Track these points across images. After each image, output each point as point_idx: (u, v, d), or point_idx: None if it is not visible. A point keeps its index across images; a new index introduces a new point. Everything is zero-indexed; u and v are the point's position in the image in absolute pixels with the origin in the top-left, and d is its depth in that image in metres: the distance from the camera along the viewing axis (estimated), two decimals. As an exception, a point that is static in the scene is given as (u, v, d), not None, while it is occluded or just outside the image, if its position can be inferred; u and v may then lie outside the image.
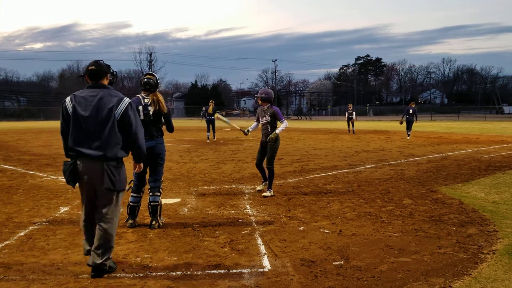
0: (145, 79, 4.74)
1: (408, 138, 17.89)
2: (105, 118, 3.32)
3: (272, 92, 6.73)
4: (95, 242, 3.40)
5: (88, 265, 3.40)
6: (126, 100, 3.43)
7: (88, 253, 3.52)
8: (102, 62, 3.52)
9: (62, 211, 5.53)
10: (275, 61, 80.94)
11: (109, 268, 3.42)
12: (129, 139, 3.45)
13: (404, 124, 18.28)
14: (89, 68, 3.44)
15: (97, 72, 3.44)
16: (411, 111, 18.14)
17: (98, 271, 3.36)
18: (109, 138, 3.33)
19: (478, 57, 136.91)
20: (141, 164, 3.85)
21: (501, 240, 4.24)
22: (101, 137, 3.32)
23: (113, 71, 3.62)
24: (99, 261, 3.35)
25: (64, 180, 3.53)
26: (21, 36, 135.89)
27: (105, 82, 3.50)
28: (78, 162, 3.35)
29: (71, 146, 3.35)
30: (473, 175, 8.24)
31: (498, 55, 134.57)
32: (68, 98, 3.42)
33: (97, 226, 3.42)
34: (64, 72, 78.93)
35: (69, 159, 3.44)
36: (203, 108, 18.18)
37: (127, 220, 4.78)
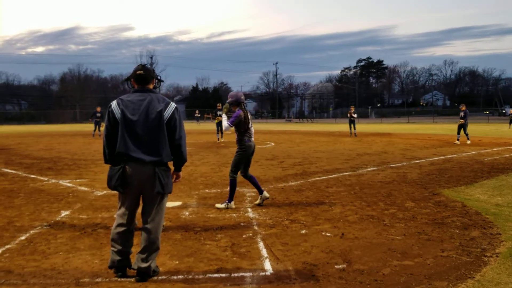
0: None
1: (458, 142, 16.77)
2: (155, 122, 3.27)
3: (238, 94, 6.12)
4: (141, 245, 3.36)
5: (133, 268, 3.37)
6: (173, 104, 3.40)
7: (114, 265, 3.39)
8: (148, 66, 3.49)
9: (63, 215, 5.52)
10: (276, 63, 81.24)
11: (153, 272, 3.39)
12: (172, 143, 3.36)
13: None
14: (137, 72, 3.39)
15: (145, 76, 3.40)
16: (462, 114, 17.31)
17: (143, 275, 3.32)
18: (160, 142, 3.29)
19: (482, 59, 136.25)
20: (180, 173, 3.64)
21: (504, 243, 4.21)
22: (152, 142, 3.27)
23: (158, 75, 3.60)
24: (144, 265, 3.30)
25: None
26: (22, 40, 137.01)
27: (151, 86, 3.47)
28: (127, 167, 3.27)
29: (121, 151, 3.25)
30: (476, 178, 8.20)
31: (502, 56, 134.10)
32: (115, 102, 3.34)
33: (143, 229, 3.37)
34: (65, 75, 79.08)
35: (109, 164, 3.36)
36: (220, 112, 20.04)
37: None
